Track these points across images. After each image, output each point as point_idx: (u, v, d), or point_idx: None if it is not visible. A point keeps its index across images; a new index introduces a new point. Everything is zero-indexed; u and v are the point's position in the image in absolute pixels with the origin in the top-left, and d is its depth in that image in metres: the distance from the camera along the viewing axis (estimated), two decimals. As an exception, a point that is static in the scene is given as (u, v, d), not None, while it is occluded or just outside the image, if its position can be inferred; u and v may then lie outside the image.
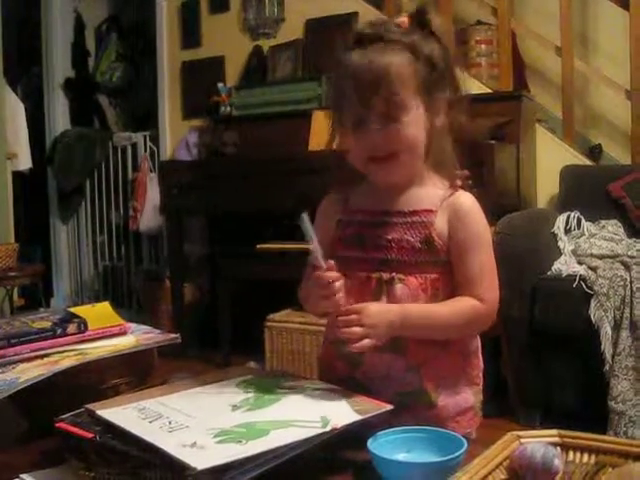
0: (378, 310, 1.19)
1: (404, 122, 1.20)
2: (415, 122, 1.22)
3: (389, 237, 1.25)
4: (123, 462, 0.99)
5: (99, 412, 1.08)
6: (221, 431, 1.00)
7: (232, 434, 0.99)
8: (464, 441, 1.00)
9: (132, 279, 5.13)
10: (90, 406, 1.12)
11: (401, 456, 1.02)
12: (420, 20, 1.24)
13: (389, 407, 1.07)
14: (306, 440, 0.98)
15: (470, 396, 1.29)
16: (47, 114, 5.34)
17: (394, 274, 1.23)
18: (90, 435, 1.04)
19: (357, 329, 1.15)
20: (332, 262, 1.18)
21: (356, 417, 1.04)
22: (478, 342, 1.34)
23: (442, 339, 1.25)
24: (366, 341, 1.15)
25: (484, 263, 1.26)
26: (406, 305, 1.22)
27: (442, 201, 1.28)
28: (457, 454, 0.97)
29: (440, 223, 1.26)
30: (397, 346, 1.22)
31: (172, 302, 4.11)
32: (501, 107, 3.39)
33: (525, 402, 2.72)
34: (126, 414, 1.07)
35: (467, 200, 1.30)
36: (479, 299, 1.24)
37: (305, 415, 1.05)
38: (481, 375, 1.32)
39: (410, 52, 1.20)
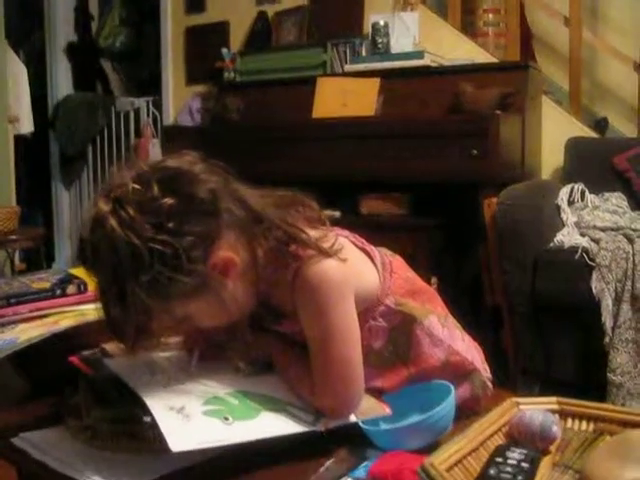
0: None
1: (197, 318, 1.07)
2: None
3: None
4: (110, 407, 1.00)
5: (105, 360, 1.09)
6: (213, 398, 1.00)
7: (222, 404, 0.99)
8: (449, 385, 1.03)
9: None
10: (106, 345, 1.13)
11: (397, 422, 1.02)
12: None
13: (387, 412, 1.07)
14: (290, 435, 0.97)
15: (467, 386, 1.20)
16: (50, 78, 5.30)
17: None
18: (89, 371, 1.04)
19: None
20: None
21: (351, 418, 1.04)
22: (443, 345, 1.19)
23: None
24: None
25: (320, 364, 1.05)
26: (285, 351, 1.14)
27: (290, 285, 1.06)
28: (440, 408, 0.99)
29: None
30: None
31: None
32: (507, 77, 3.36)
33: (524, 372, 2.73)
34: (130, 364, 1.08)
35: (299, 286, 1.05)
36: (316, 399, 1.05)
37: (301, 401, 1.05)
38: (475, 356, 1.23)
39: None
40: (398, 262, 1.22)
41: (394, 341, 1.15)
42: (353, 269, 1.09)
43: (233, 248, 1.03)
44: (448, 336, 1.19)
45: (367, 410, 1.06)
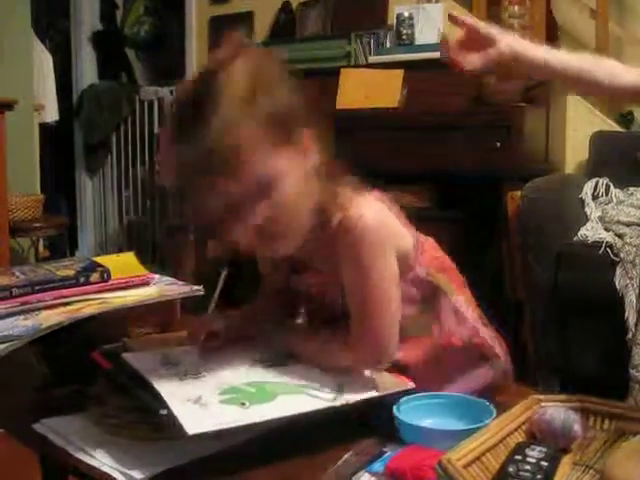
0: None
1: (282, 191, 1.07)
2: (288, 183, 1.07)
3: (313, 298, 1.20)
4: (128, 398, 1.01)
5: (124, 355, 1.09)
6: (230, 388, 1.00)
7: (240, 393, 0.99)
8: (492, 409, 0.98)
9: (156, 234, 5.15)
10: (128, 340, 1.14)
11: (427, 422, 1.00)
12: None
13: (411, 385, 1.06)
14: (310, 412, 0.97)
15: (487, 371, 1.21)
16: (75, 67, 5.33)
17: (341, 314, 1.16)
18: (107, 366, 1.05)
19: None
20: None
21: (372, 393, 1.03)
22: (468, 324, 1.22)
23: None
24: None
25: (361, 307, 1.09)
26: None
27: (333, 235, 1.11)
28: (486, 422, 0.95)
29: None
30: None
31: (196, 257, 4.12)
32: (532, 70, 3.32)
33: (545, 368, 2.71)
34: (149, 358, 1.09)
35: (349, 226, 1.09)
36: (355, 346, 1.10)
37: (321, 382, 1.05)
38: (497, 346, 1.23)
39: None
40: (430, 243, 1.25)
41: (421, 312, 1.18)
42: (393, 228, 1.14)
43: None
44: (473, 317, 1.21)
45: (390, 385, 1.05)
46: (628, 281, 2.46)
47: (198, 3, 4.68)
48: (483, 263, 3.01)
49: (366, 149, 3.28)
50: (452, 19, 1.18)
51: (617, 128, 3.49)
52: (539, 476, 0.81)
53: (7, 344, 1.11)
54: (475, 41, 1.16)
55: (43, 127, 4.80)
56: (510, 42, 1.16)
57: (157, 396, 0.96)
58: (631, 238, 2.55)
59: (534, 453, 0.86)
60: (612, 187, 3.02)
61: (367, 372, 1.08)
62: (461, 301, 1.20)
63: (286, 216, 1.07)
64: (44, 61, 4.67)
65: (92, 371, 1.11)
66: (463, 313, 1.20)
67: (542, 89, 3.22)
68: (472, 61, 1.16)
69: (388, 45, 3.78)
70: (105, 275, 1.33)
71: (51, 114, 4.76)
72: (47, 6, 5.39)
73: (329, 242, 1.11)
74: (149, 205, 5.21)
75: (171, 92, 4.94)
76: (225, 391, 0.99)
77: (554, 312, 2.66)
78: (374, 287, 1.08)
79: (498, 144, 2.95)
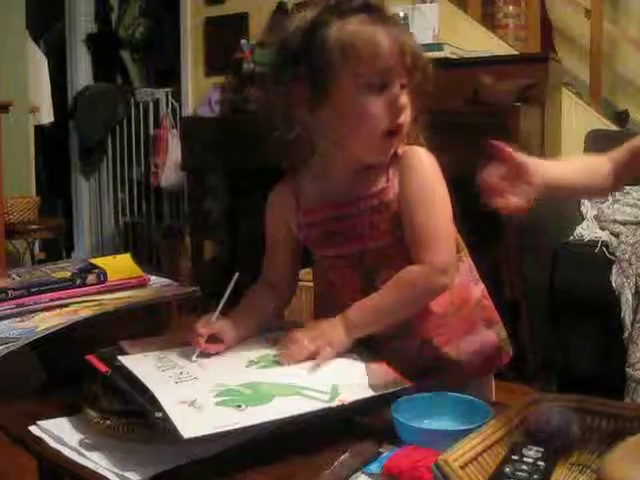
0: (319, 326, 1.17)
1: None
2: None
3: (358, 229, 1.21)
4: (124, 400, 1.01)
5: (120, 357, 1.09)
6: (226, 390, 1.00)
7: (235, 395, 0.99)
8: (490, 409, 0.98)
9: (152, 235, 5.15)
10: (124, 343, 1.14)
11: (424, 422, 0.99)
12: None
13: (407, 384, 1.05)
14: (307, 414, 0.97)
15: (493, 335, 1.30)
16: (70, 69, 5.32)
17: (376, 264, 1.21)
18: (104, 370, 1.05)
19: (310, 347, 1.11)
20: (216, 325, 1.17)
21: (368, 393, 1.03)
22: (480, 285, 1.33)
23: (397, 321, 1.18)
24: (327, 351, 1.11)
25: (428, 223, 1.18)
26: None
27: (392, 162, 1.21)
28: (483, 422, 0.94)
29: (395, 189, 1.20)
30: (404, 330, 1.20)
31: (192, 259, 4.12)
32: (527, 69, 3.33)
33: (542, 367, 2.71)
34: (144, 360, 1.08)
35: (415, 154, 1.22)
36: (420, 263, 1.17)
37: (317, 382, 1.04)
38: (495, 312, 1.33)
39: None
40: None
41: None
42: None
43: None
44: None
45: (388, 384, 1.05)
46: (624, 280, 2.47)
47: (193, 4, 4.67)
48: (480, 262, 3.01)
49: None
50: (496, 149, 1.17)
51: (612, 127, 3.49)
52: (536, 476, 0.81)
53: (4, 346, 1.11)
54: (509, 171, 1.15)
55: (38, 129, 4.80)
56: (543, 171, 1.17)
57: (152, 398, 0.96)
58: (627, 237, 2.56)
59: (531, 453, 0.86)
60: (608, 186, 3.02)
61: (365, 371, 1.08)
62: (471, 262, 1.31)
63: (409, 114, 1.19)
64: (39, 63, 4.67)
65: (89, 373, 1.11)
66: (475, 275, 1.31)
67: (537, 89, 3.23)
68: (515, 203, 1.16)
69: (383, 45, 3.77)
70: (101, 277, 1.33)
71: (46, 116, 4.77)
72: (42, 8, 5.39)
73: (386, 171, 1.20)
74: (145, 206, 5.21)
75: (166, 94, 4.94)
76: (220, 393, 0.99)
77: (551, 311, 2.66)
78: (439, 207, 1.20)
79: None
